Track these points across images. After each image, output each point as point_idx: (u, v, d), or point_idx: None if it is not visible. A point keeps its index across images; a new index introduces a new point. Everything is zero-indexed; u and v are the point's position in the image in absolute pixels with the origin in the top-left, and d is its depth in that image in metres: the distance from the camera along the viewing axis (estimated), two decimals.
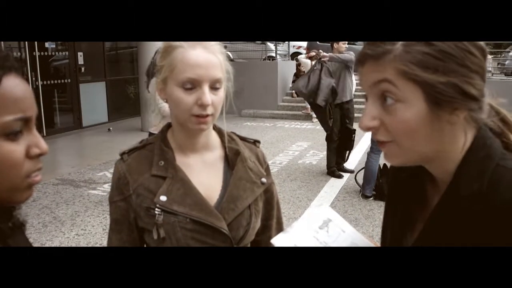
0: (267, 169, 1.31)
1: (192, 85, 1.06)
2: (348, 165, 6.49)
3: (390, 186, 0.94)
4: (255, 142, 1.32)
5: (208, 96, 1.06)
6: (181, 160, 1.17)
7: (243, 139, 1.30)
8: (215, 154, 1.22)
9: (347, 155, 6.46)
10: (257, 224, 1.23)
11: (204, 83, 1.06)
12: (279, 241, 0.93)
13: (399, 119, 0.71)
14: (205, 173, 1.19)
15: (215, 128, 1.25)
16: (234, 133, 1.30)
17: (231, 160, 1.22)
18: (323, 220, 0.97)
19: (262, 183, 1.24)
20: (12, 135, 0.68)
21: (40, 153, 0.73)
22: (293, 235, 0.94)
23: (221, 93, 1.10)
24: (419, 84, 0.68)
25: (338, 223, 0.98)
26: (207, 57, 1.06)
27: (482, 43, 0.71)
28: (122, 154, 1.19)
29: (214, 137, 1.23)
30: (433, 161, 0.77)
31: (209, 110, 1.08)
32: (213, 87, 1.08)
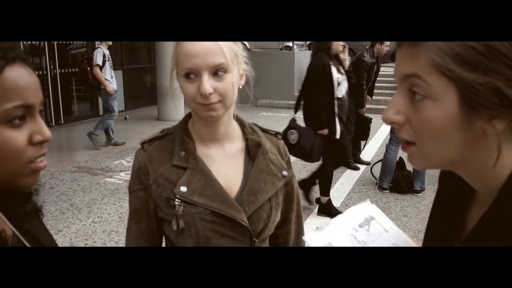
0: (288, 162, 1.29)
1: (193, 74, 1.05)
2: (364, 157, 6.44)
3: (438, 190, 0.86)
4: (277, 134, 1.30)
5: (206, 84, 1.03)
6: (202, 151, 1.16)
7: (264, 130, 1.28)
8: (236, 146, 1.21)
9: (363, 145, 6.42)
10: (277, 217, 1.21)
11: (202, 71, 1.04)
12: (312, 238, 0.85)
13: (425, 117, 0.63)
14: (225, 164, 1.18)
15: (237, 119, 1.23)
16: (256, 125, 1.28)
17: (252, 152, 1.20)
18: (365, 218, 0.89)
19: (283, 176, 1.22)
20: (14, 122, 0.70)
21: (43, 140, 0.74)
22: (329, 232, 0.85)
23: (229, 78, 1.07)
24: (453, 82, 0.60)
25: (381, 222, 0.89)
26: (204, 45, 1.04)
27: None
28: (142, 143, 1.18)
29: (235, 128, 1.22)
30: (461, 169, 0.69)
31: (213, 98, 1.05)
32: (216, 74, 1.05)
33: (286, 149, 1.31)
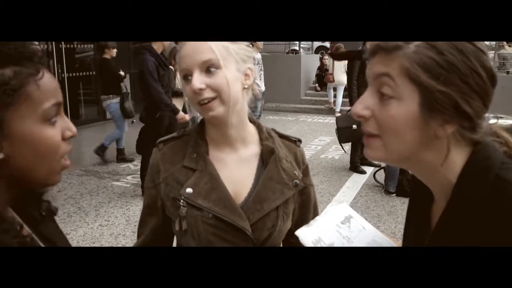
0: (306, 170, 1.26)
1: (188, 75, 1.08)
2: None
3: (412, 193, 0.93)
4: (296, 141, 1.27)
5: (195, 80, 1.05)
6: (215, 154, 1.16)
7: (283, 137, 1.25)
8: (250, 150, 1.19)
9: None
10: (284, 227, 1.18)
11: (193, 70, 1.06)
12: (303, 233, 0.95)
13: (390, 114, 0.72)
14: (238, 169, 1.16)
15: (254, 123, 1.22)
16: (274, 130, 1.25)
17: (265, 158, 1.18)
18: (345, 216, 1.00)
19: (295, 185, 1.19)
20: (52, 120, 0.75)
21: (72, 135, 0.80)
22: (317, 228, 0.97)
23: (221, 74, 1.06)
24: (417, 85, 0.70)
25: (359, 220, 1.01)
26: (192, 44, 1.07)
27: (495, 70, 0.72)
28: (158, 143, 1.20)
29: (251, 132, 1.20)
30: (414, 167, 0.79)
31: (206, 94, 1.06)
32: (207, 71, 1.06)
33: (305, 156, 1.27)
